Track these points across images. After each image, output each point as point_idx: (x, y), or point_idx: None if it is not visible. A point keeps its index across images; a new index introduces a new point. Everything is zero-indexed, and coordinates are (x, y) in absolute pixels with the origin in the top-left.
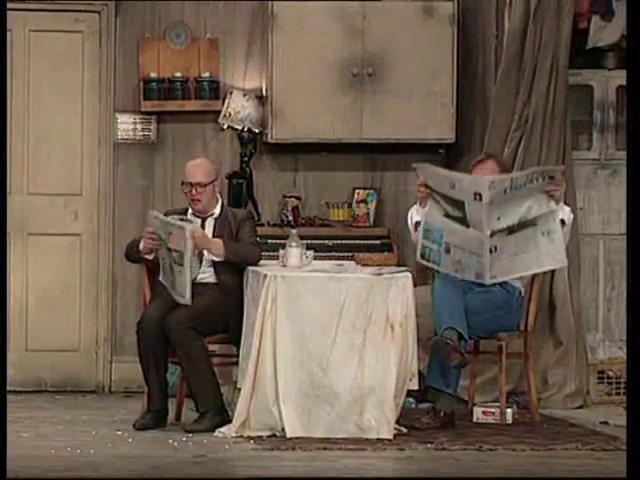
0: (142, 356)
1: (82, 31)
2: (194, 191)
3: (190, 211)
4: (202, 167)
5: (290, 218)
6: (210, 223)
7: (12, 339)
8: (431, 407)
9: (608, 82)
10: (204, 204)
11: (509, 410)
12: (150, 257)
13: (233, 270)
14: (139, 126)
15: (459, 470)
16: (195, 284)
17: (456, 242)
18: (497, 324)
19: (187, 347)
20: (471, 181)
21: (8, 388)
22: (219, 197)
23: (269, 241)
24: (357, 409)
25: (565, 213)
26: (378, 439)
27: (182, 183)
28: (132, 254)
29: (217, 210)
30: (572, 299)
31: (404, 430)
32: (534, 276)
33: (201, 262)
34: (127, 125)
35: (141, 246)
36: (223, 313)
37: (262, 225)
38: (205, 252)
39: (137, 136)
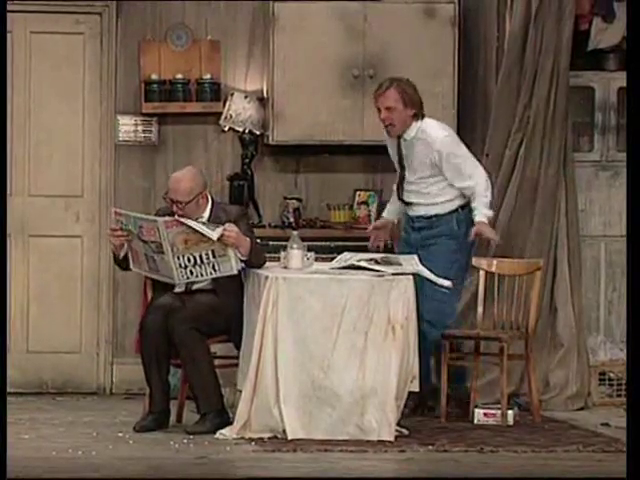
0: (144, 357)
1: (83, 33)
2: (175, 207)
3: None
4: (182, 184)
5: (291, 220)
6: None
7: (13, 341)
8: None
9: (609, 84)
10: (186, 217)
11: (510, 412)
12: (124, 251)
13: (230, 275)
14: (140, 128)
15: (460, 472)
16: (193, 291)
17: None
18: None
19: (191, 349)
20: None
21: (9, 390)
22: (208, 199)
23: (270, 243)
24: (358, 411)
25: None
26: (379, 441)
27: (165, 193)
28: (116, 263)
29: (206, 214)
30: (573, 301)
31: (405, 432)
32: (533, 278)
33: (241, 261)
34: (128, 127)
35: (111, 246)
36: (224, 314)
37: (263, 227)
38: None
39: (138, 138)
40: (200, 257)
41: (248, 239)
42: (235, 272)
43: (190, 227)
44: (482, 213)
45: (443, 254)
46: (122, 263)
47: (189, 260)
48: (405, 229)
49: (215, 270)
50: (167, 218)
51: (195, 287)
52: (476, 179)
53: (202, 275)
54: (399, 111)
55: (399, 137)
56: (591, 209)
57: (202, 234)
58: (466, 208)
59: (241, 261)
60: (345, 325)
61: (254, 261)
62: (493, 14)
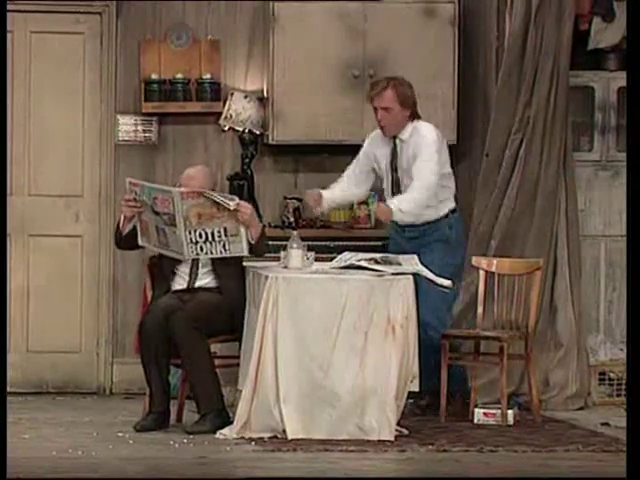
0: (144, 357)
1: (83, 32)
2: None
3: None
4: (195, 181)
5: (291, 219)
6: None
7: (13, 340)
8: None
9: (609, 83)
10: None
11: (510, 411)
12: (129, 227)
13: (233, 273)
14: (140, 127)
15: (460, 471)
16: (197, 288)
17: None
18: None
19: (191, 349)
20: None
21: (9, 389)
22: None
23: (270, 243)
24: (358, 410)
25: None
26: (379, 440)
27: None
28: (116, 238)
29: None
30: (573, 300)
31: (405, 432)
32: (533, 278)
33: (248, 242)
34: (128, 126)
35: (121, 218)
36: (227, 314)
37: (263, 227)
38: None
39: (138, 137)
40: (212, 234)
41: (260, 224)
42: (245, 253)
43: (206, 198)
44: (395, 202)
45: (436, 259)
46: (121, 242)
47: (200, 236)
48: (395, 239)
49: (225, 249)
50: (183, 189)
51: (197, 285)
52: (421, 182)
53: (212, 253)
54: (396, 111)
55: (394, 137)
56: (591, 209)
57: (217, 208)
58: (456, 212)
59: (248, 244)
60: (345, 325)
61: (259, 248)
62: (493, 14)
